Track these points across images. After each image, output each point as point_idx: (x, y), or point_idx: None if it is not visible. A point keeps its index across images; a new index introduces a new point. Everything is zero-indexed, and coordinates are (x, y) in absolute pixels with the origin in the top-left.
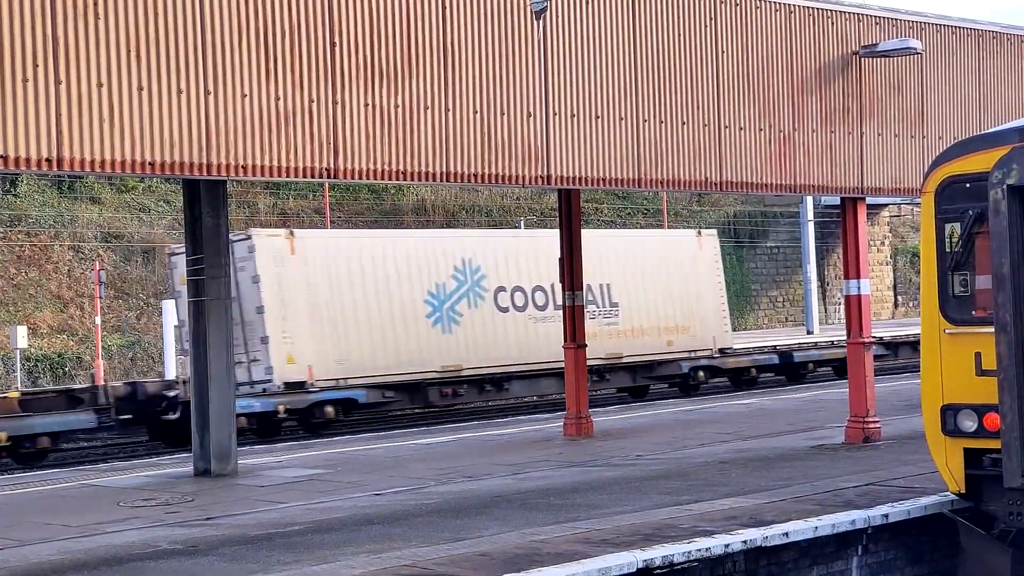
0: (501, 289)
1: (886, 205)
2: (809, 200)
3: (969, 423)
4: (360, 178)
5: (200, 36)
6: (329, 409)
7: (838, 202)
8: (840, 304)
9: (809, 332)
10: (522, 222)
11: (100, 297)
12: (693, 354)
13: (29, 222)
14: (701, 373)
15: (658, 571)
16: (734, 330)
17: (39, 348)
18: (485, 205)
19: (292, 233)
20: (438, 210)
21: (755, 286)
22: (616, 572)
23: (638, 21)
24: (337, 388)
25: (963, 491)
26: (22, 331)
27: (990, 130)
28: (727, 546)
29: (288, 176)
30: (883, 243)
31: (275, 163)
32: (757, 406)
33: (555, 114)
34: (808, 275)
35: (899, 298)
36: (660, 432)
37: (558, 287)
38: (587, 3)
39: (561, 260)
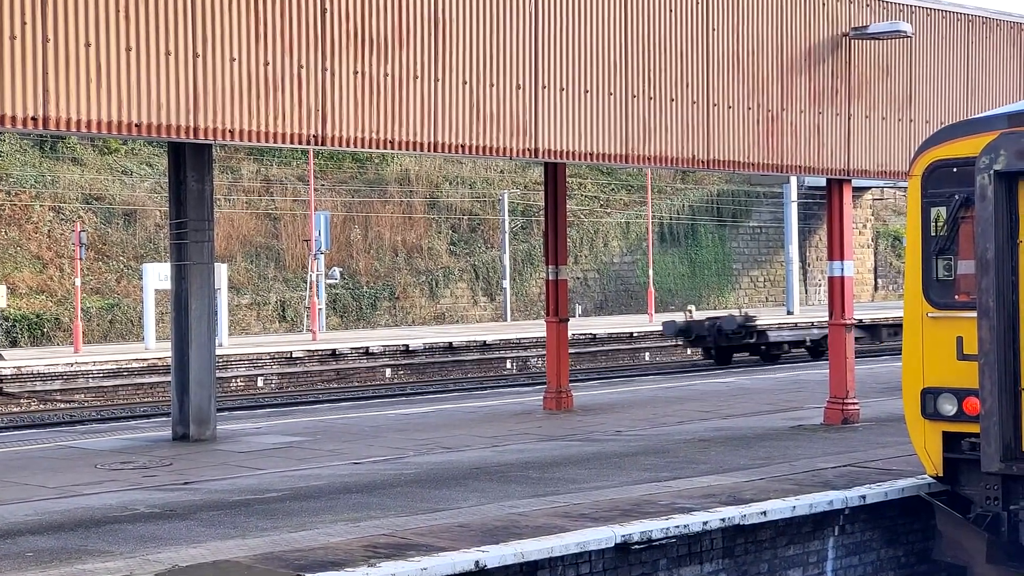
0: None
1: (869, 188)
2: (793, 181)
3: (949, 407)
4: (348, 146)
5: None
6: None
7: (822, 184)
8: (820, 286)
9: (789, 312)
10: (505, 195)
11: (80, 259)
12: None
13: (10, 181)
14: None
15: (636, 547)
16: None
17: (17, 308)
18: (469, 177)
19: None
20: (421, 180)
21: (736, 265)
22: (594, 547)
23: None
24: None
25: (940, 474)
26: (1, 290)
27: (979, 115)
28: (705, 523)
29: (275, 142)
30: (865, 226)
31: (262, 128)
32: (736, 384)
33: (544, 87)
34: (790, 256)
35: (879, 281)
36: (639, 408)
37: None
38: None
39: (545, 234)
